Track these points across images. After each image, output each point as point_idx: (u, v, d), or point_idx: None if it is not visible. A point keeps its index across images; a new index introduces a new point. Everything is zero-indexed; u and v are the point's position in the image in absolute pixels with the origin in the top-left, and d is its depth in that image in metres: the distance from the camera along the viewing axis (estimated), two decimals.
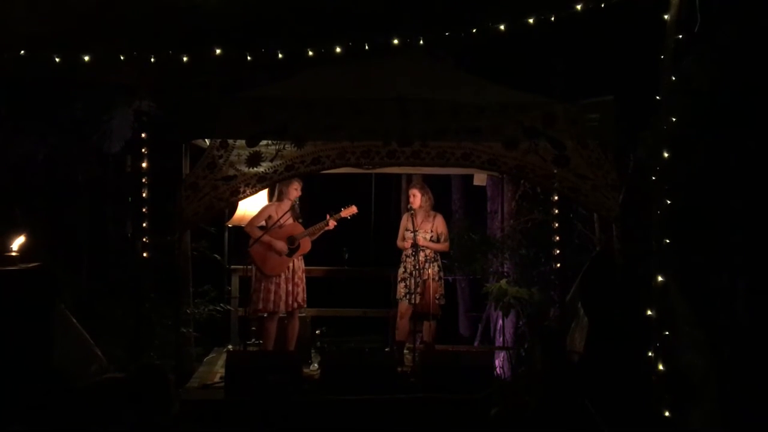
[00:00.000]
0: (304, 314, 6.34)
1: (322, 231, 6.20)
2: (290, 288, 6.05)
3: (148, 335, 5.54)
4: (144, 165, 5.28)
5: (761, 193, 5.13)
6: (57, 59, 5.22)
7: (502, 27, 4.97)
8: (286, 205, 6.12)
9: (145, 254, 5.23)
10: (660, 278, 4.62)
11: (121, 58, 5.25)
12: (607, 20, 5.16)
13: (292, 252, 6.07)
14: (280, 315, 6.10)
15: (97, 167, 6.93)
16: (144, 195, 5.28)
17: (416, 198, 6.41)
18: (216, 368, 6.04)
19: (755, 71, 4.99)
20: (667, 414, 4.52)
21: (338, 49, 5.26)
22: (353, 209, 6.27)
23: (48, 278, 4.79)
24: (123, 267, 6.03)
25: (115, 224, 6.83)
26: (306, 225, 6.20)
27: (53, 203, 6.90)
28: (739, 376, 4.87)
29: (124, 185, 6.42)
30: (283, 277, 6.04)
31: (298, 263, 6.15)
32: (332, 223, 6.19)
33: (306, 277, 6.29)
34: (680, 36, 4.66)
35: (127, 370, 4.85)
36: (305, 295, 6.20)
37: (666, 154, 4.64)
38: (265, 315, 6.06)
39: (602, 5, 4.92)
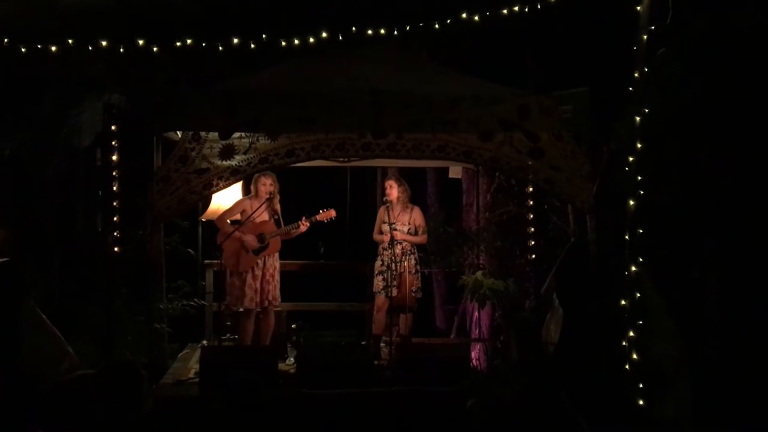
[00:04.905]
0: (280, 308, 6.30)
1: (295, 232, 6.13)
2: (259, 285, 5.99)
3: (119, 332, 5.45)
4: (114, 158, 5.18)
5: (733, 184, 5.19)
6: (23, 50, 5.10)
7: (476, 18, 4.95)
8: (261, 201, 6.06)
9: (116, 249, 5.14)
10: (633, 269, 4.67)
11: (91, 49, 5.13)
12: (580, 12, 5.18)
13: (259, 250, 6.00)
14: (256, 311, 6.05)
15: (67, 162, 6.80)
16: (115, 189, 5.18)
17: (393, 189, 6.40)
18: (190, 364, 5.97)
19: (727, 63, 5.04)
20: (640, 403, 4.57)
21: (312, 41, 5.21)
22: (332, 213, 6.13)
23: (16, 275, 4.68)
24: (94, 262, 5.93)
25: (86, 220, 6.70)
26: (283, 223, 6.13)
27: (22, 200, 6.75)
28: (709, 366, 4.94)
29: (94, 179, 6.31)
30: (251, 274, 5.97)
31: (271, 261, 6.08)
32: (304, 226, 6.09)
33: (282, 272, 6.23)
34: (653, 28, 4.69)
35: (98, 366, 4.77)
36: (278, 293, 6.13)
37: (639, 146, 4.68)
38: (241, 310, 6.01)
39: None
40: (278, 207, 6.16)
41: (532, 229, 6.22)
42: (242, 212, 6.07)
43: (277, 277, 6.13)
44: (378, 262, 6.40)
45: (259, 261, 6.02)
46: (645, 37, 4.68)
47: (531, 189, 6.19)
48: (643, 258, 4.67)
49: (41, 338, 4.85)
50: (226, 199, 6.51)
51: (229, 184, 5.52)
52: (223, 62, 5.59)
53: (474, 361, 6.07)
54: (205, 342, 6.57)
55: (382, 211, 6.44)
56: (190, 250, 6.75)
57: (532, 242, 6.23)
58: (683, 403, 4.77)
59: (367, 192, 8.62)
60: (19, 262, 4.90)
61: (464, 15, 5.01)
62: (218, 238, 6.01)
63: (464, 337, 7.24)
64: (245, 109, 5.05)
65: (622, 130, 5.07)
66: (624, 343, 4.68)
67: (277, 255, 6.15)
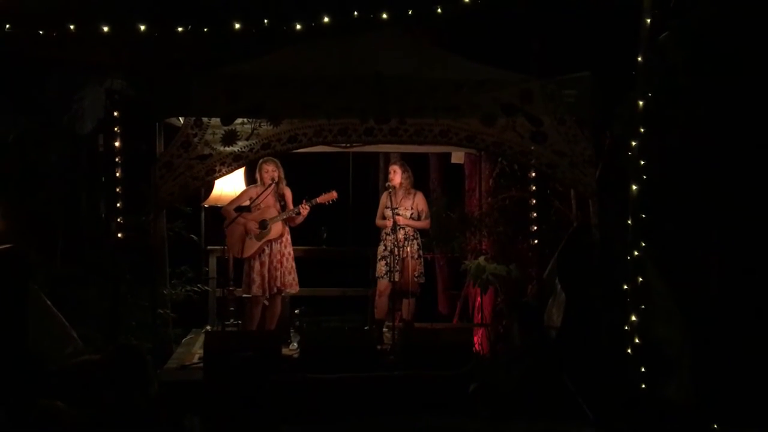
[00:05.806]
0: (283, 294, 6.32)
1: (299, 217, 6.12)
2: (267, 272, 6.00)
3: (124, 317, 5.48)
4: (117, 144, 5.18)
5: (735, 168, 5.19)
6: (25, 36, 5.09)
7: (479, 1, 4.93)
8: (265, 187, 6.05)
9: (119, 235, 5.15)
10: (636, 253, 4.68)
11: (93, 34, 5.12)
12: None
13: (261, 236, 6.00)
14: (264, 298, 6.06)
15: (69, 148, 6.80)
16: (117, 175, 5.19)
17: (396, 174, 6.40)
18: (194, 349, 6.01)
19: (730, 46, 5.02)
20: (643, 386, 4.60)
21: (314, 26, 5.19)
22: (333, 195, 6.10)
23: (20, 260, 4.70)
24: (97, 248, 5.94)
25: (89, 206, 6.71)
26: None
27: (25, 186, 6.76)
28: (711, 349, 4.95)
29: (97, 165, 6.31)
30: (257, 260, 5.99)
31: (278, 247, 6.06)
32: (305, 210, 6.07)
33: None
34: (656, 12, 4.67)
35: (103, 351, 4.79)
36: (290, 279, 6.11)
37: (642, 130, 4.67)
38: (249, 297, 6.02)
39: None
40: (286, 193, 6.16)
41: (535, 214, 6.22)
42: (249, 200, 6.09)
43: (287, 263, 6.11)
44: (380, 247, 6.41)
45: (266, 248, 6.02)
46: (648, 21, 4.66)
47: (533, 174, 6.19)
48: (645, 242, 4.67)
49: (45, 323, 4.88)
50: (228, 185, 6.51)
51: (232, 170, 5.52)
52: (226, 47, 5.56)
53: (476, 345, 6.08)
54: (208, 327, 6.60)
55: (384, 196, 6.44)
56: (193, 235, 6.76)
57: (535, 227, 6.23)
58: (685, 386, 4.80)
59: (370, 177, 8.61)
60: (22, 248, 4.92)
61: None
62: (225, 224, 6.02)
63: (467, 322, 7.26)
64: (248, 94, 5.05)
65: (625, 114, 5.06)
66: (626, 327, 4.70)
67: (285, 240, 6.12)
